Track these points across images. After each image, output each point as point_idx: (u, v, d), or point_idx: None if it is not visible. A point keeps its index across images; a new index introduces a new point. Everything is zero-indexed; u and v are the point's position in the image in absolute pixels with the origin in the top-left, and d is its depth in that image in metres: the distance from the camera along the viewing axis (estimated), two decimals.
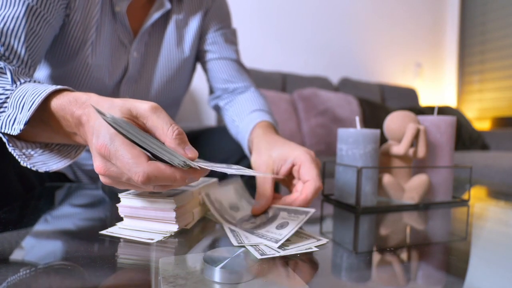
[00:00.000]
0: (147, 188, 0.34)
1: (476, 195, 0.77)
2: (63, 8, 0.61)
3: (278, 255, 0.32)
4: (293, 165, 0.49)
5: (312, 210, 0.39)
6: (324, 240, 0.37)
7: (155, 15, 0.71)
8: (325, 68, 2.57)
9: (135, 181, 0.31)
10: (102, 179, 0.36)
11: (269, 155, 0.51)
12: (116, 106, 0.35)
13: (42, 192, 0.63)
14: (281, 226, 0.37)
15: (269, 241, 0.35)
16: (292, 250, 0.34)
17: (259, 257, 0.31)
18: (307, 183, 0.46)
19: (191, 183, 0.36)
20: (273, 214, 0.42)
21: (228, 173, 0.33)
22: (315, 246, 0.36)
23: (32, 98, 0.41)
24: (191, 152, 0.34)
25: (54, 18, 0.59)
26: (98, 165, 0.34)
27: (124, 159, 0.31)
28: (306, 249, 0.35)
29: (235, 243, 0.36)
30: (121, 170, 0.32)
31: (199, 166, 0.32)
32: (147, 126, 0.35)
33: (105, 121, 0.31)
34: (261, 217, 0.42)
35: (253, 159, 0.54)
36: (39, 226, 0.43)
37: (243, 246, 0.35)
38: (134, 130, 0.31)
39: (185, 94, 0.88)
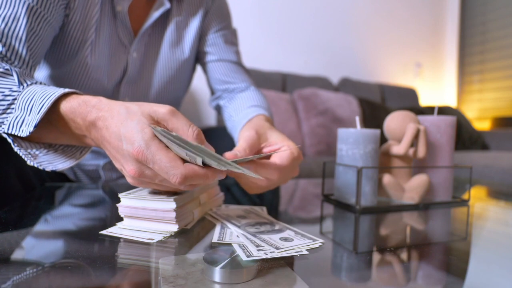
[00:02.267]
0: (180, 187, 0.36)
1: (476, 195, 0.77)
2: (63, 8, 0.61)
3: (265, 257, 0.31)
4: (278, 150, 0.48)
5: (320, 240, 0.37)
6: (318, 242, 0.36)
7: (155, 14, 0.71)
8: (325, 68, 2.57)
9: (172, 182, 0.34)
10: (130, 180, 0.38)
11: (266, 134, 0.51)
12: (136, 113, 0.37)
13: (42, 192, 0.63)
14: (285, 239, 0.37)
15: (270, 247, 0.34)
16: (281, 253, 0.32)
17: (245, 258, 0.30)
18: (281, 149, 0.46)
19: (220, 179, 0.38)
20: (279, 228, 0.42)
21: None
22: (307, 250, 0.34)
23: (42, 101, 0.42)
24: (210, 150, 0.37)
25: (54, 18, 0.59)
26: (132, 169, 0.36)
27: (162, 163, 0.34)
28: (295, 252, 0.33)
29: (214, 239, 0.36)
30: (156, 173, 0.35)
31: (230, 167, 0.35)
32: (168, 129, 0.37)
33: (156, 132, 0.34)
34: (266, 226, 0.42)
35: (244, 130, 0.53)
36: (39, 226, 0.43)
37: (223, 244, 0.35)
38: (180, 138, 0.35)
39: (185, 95, 0.88)
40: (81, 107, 0.41)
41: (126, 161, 0.36)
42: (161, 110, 0.37)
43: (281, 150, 0.48)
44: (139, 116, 0.36)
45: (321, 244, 0.36)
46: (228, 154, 0.44)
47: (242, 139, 0.49)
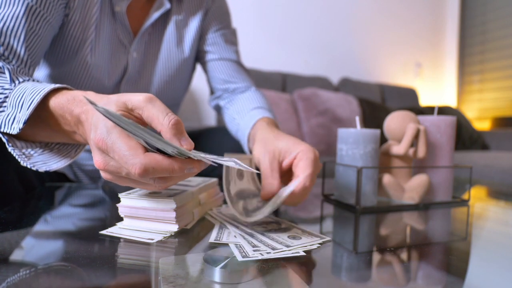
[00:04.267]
0: (146, 182, 0.33)
1: (476, 195, 0.77)
2: (62, 8, 0.61)
3: (260, 257, 0.31)
4: (295, 159, 0.47)
5: (327, 238, 0.38)
6: (326, 240, 0.37)
7: (155, 15, 0.71)
8: (325, 68, 2.57)
9: (132, 174, 0.31)
10: (103, 174, 0.35)
11: (276, 145, 0.50)
12: (112, 102, 0.35)
13: (42, 192, 0.63)
14: (293, 238, 0.37)
15: (279, 244, 0.34)
16: (277, 254, 0.32)
17: (240, 258, 0.30)
18: (295, 179, 0.44)
19: (190, 176, 0.35)
20: (286, 226, 0.42)
21: (225, 164, 0.33)
22: (304, 251, 0.34)
23: (31, 97, 0.41)
24: (187, 143, 0.33)
25: (54, 18, 0.59)
26: (97, 159, 0.33)
27: (121, 151, 0.31)
28: (292, 253, 0.33)
29: (212, 239, 0.36)
30: (120, 164, 0.32)
31: (194, 156, 0.32)
32: (143, 118, 0.34)
33: (99, 111, 0.30)
34: (272, 225, 0.42)
35: (257, 149, 0.52)
36: (39, 226, 0.43)
37: (220, 244, 0.35)
38: (126, 121, 0.30)
39: (185, 94, 0.88)
40: (69, 103, 0.40)
41: (93, 152, 0.34)
42: (137, 97, 0.34)
43: (298, 159, 0.47)
44: (112, 105, 0.34)
45: (329, 239, 0.37)
46: (265, 195, 0.45)
47: (263, 166, 0.48)
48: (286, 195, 0.40)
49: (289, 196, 0.43)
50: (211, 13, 0.80)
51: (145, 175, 0.31)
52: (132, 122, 0.30)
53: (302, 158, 0.46)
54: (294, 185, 0.42)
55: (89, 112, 0.36)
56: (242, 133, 0.70)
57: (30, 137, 0.47)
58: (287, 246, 0.34)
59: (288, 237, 0.37)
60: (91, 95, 0.40)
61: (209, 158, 0.33)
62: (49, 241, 0.38)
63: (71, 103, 0.40)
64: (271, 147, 0.49)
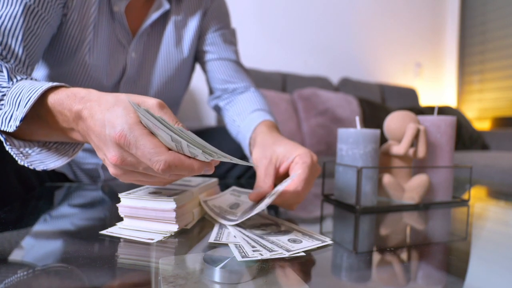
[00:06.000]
0: (161, 176, 0.35)
1: (476, 195, 0.77)
2: (60, 7, 0.61)
3: (260, 258, 0.31)
4: (291, 163, 0.48)
5: (329, 240, 0.37)
6: (327, 243, 0.37)
7: (154, 15, 0.71)
8: (325, 68, 2.57)
9: (155, 169, 0.32)
10: (112, 170, 0.36)
11: (274, 150, 0.50)
12: (123, 100, 0.36)
13: (42, 192, 0.63)
14: (294, 241, 0.37)
15: (280, 248, 0.34)
16: (276, 254, 0.32)
17: (239, 259, 0.30)
18: (286, 180, 0.44)
19: (207, 173, 0.37)
20: (286, 229, 0.41)
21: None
22: (304, 252, 0.34)
23: (29, 95, 0.41)
24: None
25: (52, 17, 0.59)
26: (114, 154, 0.34)
27: (145, 148, 0.32)
28: (292, 253, 0.33)
29: (211, 239, 0.36)
30: (139, 160, 0.33)
31: (217, 158, 0.34)
32: None
33: (139, 112, 0.32)
34: (271, 227, 0.42)
35: (256, 154, 0.53)
36: (39, 226, 0.43)
37: (219, 244, 0.35)
38: (165, 122, 0.32)
39: (184, 94, 0.88)
40: (69, 99, 0.40)
41: (108, 148, 0.35)
42: (150, 101, 0.36)
43: (294, 162, 0.47)
44: (126, 102, 0.35)
45: (330, 243, 0.37)
46: (252, 196, 0.45)
47: (258, 171, 0.49)
48: (276, 193, 0.41)
49: (280, 196, 0.43)
50: (210, 13, 0.80)
51: (168, 171, 0.32)
52: (167, 122, 0.32)
53: (298, 162, 0.47)
54: (284, 185, 0.42)
55: (94, 109, 0.37)
56: (243, 136, 0.70)
57: (27, 136, 0.47)
58: (288, 250, 0.33)
59: (289, 240, 0.36)
60: (93, 92, 0.40)
61: (225, 157, 0.34)
62: (49, 241, 0.38)
63: (71, 99, 0.40)
64: (269, 152, 0.50)
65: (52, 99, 0.41)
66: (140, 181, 0.38)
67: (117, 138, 0.33)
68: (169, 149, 0.33)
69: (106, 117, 0.35)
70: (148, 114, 0.31)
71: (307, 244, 0.36)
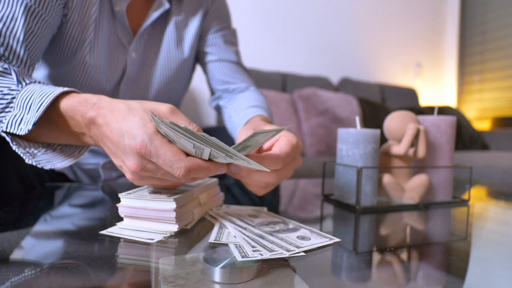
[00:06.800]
0: (183, 180, 0.37)
1: (476, 195, 0.77)
2: (61, 8, 0.61)
3: (260, 258, 0.30)
4: (277, 140, 0.46)
5: (336, 239, 0.38)
6: (334, 240, 0.37)
7: (154, 15, 0.71)
8: (325, 68, 2.57)
9: (176, 175, 0.35)
10: (130, 176, 0.38)
11: (262, 128, 0.51)
12: (137, 109, 0.37)
13: (42, 192, 0.63)
14: (303, 238, 0.37)
15: (290, 245, 0.34)
16: (276, 254, 0.32)
17: (239, 258, 0.30)
18: (279, 140, 0.44)
19: (221, 173, 0.39)
20: (294, 226, 0.41)
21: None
22: (304, 252, 0.33)
23: (41, 99, 0.42)
24: None
25: (52, 18, 0.59)
26: (134, 163, 0.36)
27: (166, 157, 0.34)
28: (292, 254, 0.33)
29: (211, 239, 0.36)
30: (159, 167, 0.36)
31: (236, 159, 0.35)
32: None
33: (163, 123, 0.33)
34: (280, 225, 0.42)
35: (242, 132, 0.53)
36: (39, 226, 0.43)
37: (219, 244, 0.35)
38: (189, 132, 0.34)
39: (184, 94, 0.88)
40: (81, 105, 0.41)
41: (127, 156, 0.37)
42: (162, 108, 0.39)
43: (279, 140, 0.46)
44: (141, 112, 0.37)
45: (338, 240, 0.37)
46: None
47: (241, 139, 0.49)
48: (257, 144, 0.41)
49: (256, 173, 0.41)
50: (211, 14, 0.80)
51: (187, 176, 0.35)
52: (191, 131, 0.34)
53: (283, 139, 0.45)
54: (266, 139, 0.42)
55: (108, 116, 0.38)
56: (235, 130, 0.71)
57: (34, 138, 0.47)
58: (297, 247, 0.34)
59: (297, 237, 0.37)
60: (104, 99, 0.41)
61: (246, 160, 0.34)
62: (49, 241, 0.38)
63: (83, 105, 0.41)
64: (257, 128, 0.51)
65: (64, 104, 0.42)
66: (155, 185, 0.40)
67: (138, 148, 0.35)
68: (188, 155, 0.35)
69: (124, 127, 0.36)
70: (173, 126, 0.34)
71: (316, 241, 0.36)
